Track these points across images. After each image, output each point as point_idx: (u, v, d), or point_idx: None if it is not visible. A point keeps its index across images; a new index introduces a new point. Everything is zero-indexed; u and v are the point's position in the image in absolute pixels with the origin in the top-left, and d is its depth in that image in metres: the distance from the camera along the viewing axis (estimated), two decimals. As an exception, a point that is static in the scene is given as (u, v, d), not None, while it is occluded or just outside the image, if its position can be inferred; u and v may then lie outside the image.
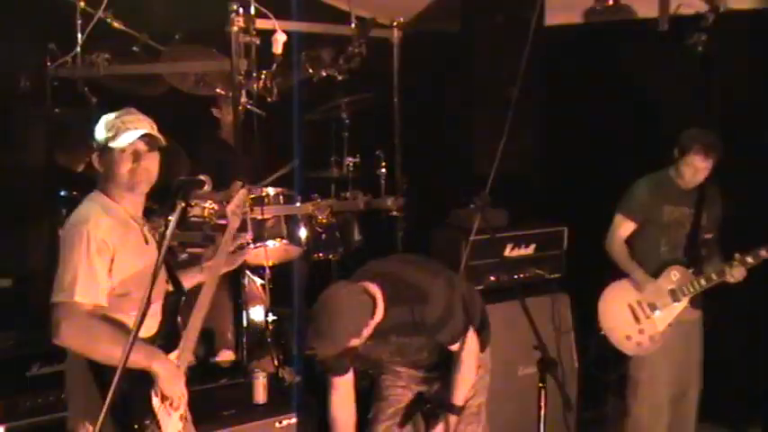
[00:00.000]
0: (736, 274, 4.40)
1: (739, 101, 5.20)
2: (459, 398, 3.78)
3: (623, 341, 4.62)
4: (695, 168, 4.43)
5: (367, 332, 3.48)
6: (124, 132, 3.11)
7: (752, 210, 5.00)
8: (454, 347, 3.72)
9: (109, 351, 2.88)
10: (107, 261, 3.00)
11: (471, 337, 3.75)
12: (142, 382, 3.04)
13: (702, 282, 4.50)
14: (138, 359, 2.99)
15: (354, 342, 3.46)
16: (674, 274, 4.54)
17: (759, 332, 5.29)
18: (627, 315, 4.60)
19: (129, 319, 2.97)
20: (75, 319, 2.92)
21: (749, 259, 4.39)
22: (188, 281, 3.44)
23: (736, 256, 4.41)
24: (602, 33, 5.54)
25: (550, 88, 5.63)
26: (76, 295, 2.93)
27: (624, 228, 4.65)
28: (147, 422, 3.03)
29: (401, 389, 3.95)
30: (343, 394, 3.79)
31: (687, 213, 4.55)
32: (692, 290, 4.52)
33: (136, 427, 2.99)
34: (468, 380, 3.79)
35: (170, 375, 3.09)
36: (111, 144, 3.12)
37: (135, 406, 3.01)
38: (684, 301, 4.54)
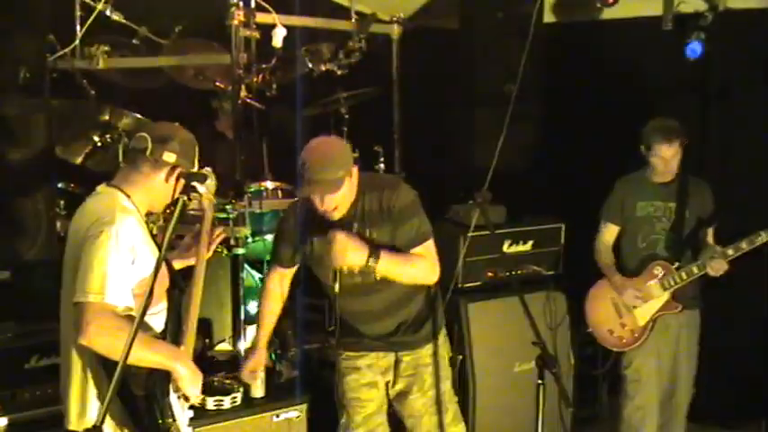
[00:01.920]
0: (715, 266, 4.37)
1: (738, 99, 5.20)
2: (385, 253, 3.52)
3: (606, 336, 4.68)
4: (663, 158, 4.45)
5: (353, 181, 3.49)
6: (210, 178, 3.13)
7: (750, 209, 5.01)
8: (415, 250, 3.61)
9: (138, 354, 2.81)
10: (131, 262, 2.99)
11: (432, 249, 3.67)
12: (162, 381, 3.05)
13: (683, 275, 4.49)
14: (162, 360, 3.02)
15: (346, 181, 3.43)
16: (657, 270, 4.55)
17: (755, 331, 5.30)
18: (610, 310, 4.66)
19: (147, 318, 2.96)
20: (105, 320, 2.88)
21: (729, 251, 4.36)
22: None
23: (717, 248, 4.41)
24: (602, 30, 5.56)
25: (550, 85, 5.63)
26: (108, 297, 2.89)
27: (607, 233, 4.73)
28: (171, 420, 3.05)
29: (366, 388, 3.91)
30: (275, 283, 3.88)
31: (662, 207, 4.56)
32: (672, 283, 4.51)
33: (161, 422, 3.01)
34: (412, 267, 3.60)
35: (192, 376, 3.10)
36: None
37: (159, 406, 3.03)
38: (665, 295, 4.54)
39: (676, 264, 4.53)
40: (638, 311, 4.59)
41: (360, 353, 3.89)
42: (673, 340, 4.62)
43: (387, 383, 3.94)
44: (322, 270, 3.73)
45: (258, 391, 4.32)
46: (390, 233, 3.59)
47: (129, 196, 3.13)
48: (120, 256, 2.94)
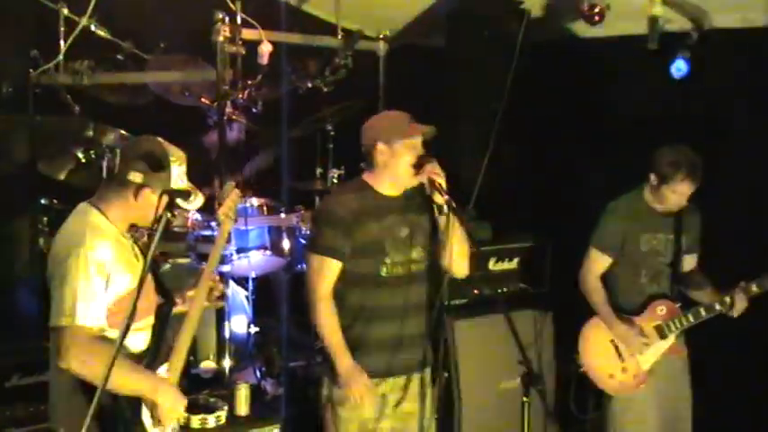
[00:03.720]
0: (738, 306, 4.14)
1: (722, 119, 5.22)
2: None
3: (605, 380, 4.37)
4: (681, 195, 4.18)
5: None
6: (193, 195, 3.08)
7: (734, 230, 5.00)
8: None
9: (119, 381, 2.83)
10: (104, 282, 2.96)
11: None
12: (132, 402, 3.01)
13: (690, 318, 4.26)
14: (144, 389, 2.99)
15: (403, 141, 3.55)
16: (660, 309, 4.31)
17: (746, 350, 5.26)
18: (609, 352, 4.36)
19: (129, 334, 2.88)
20: (81, 344, 2.88)
21: (754, 288, 4.14)
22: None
23: (741, 284, 4.17)
24: (587, 49, 5.58)
25: (535, 103, 5.64)
26: (79, 319, 2.89)
27: (600, 263, 4.37)
28: None
29: (389, 417, 3.76)
30: (330, 283, 3.62)
31: (665, 240, 4.32)
32: (679, 326, 4.28)
33: None
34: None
35: (172, 406, 3.07)
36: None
37: (126, 427, 2.99)
38: (671, 338, 4.31)
39: (678, 304, 4.32)
40: (643, 355, 4.32)
41: (382, 377, 3.72)
42: (672, 378, 4.38)
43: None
44: (367, 259, 3.65)
45: (243, 408, 4.29)
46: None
47: (105, 214, 3.10)
48: (88, 277, 2.92)
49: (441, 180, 3.55)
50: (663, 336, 4.30)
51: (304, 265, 5.09)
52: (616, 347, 4.35)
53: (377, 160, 3.65)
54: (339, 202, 3.71)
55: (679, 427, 4.42)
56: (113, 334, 2.98)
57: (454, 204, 3.56)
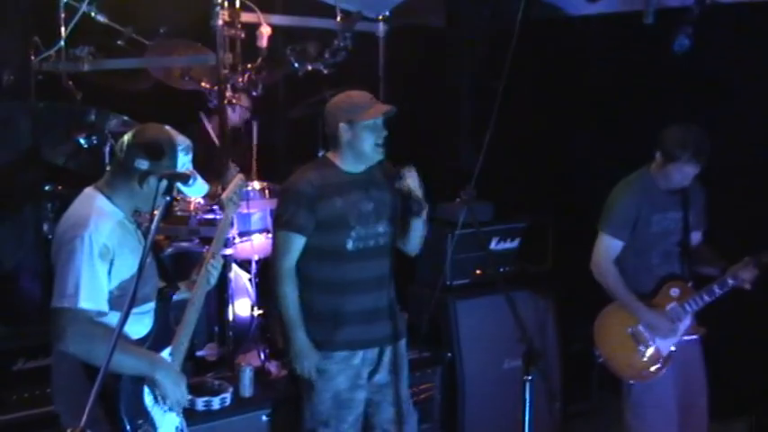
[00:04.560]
0: (747, 276, 4.12)
1: (724, 95, 5.20)
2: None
3: (626, 369, 4.30)
4: (687, 175, 4.16)
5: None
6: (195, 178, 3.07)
7: (740, 209, 4.98)
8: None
9: (116, 358, 2.80)
10: (107, 265, 2.98)
11: None
12: (133, 382, 3.03)
13: (705, 296, 4.21)
14: (142, 367, 3.02)
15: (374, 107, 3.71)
16: (674, 291, 4.27)
17: (749, 327, 5.27)
18: (627, 341, 4.30)
19: (131, 318, 2.87)
20: (81, 326, 2.91)
21: (765, 260, 4.10)
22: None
23: (746, 259, 4.13)
24: (588, 27, 5.56)
25: (536, 81, 5.64)
26: (81, 302, 2.91)
27: (613, 248, 4.28)
28: (140, 422, 3.03)
29: (360, 388, 3.86)
30: (293, 259, 3.75)
31: (674, 219, 4.29)
32: (694, 306, 4.23)
33: (128, 427, 2.98)
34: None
35: (173, 383, 3.10)
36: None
37: (127, 407, 3.00)
38: (688, 320, 4.28)
39: (690, 283, 4.29)
40: (662, 341, 4.28)
41: (353, 350, 3.83)
42: (689, 356, 4.35)
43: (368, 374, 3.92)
44: (333, 233, 3.75)
45: (247, 390, 4.32)
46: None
47: (110, 198, 3.11)
48: (92, 260, 2.94)
49: (417, 192, 3.75)
50: (679, 318, 4.27)
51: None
52: (634, 335, 4.30)
53: (340, 140, 3.76)
54: (303, 179, 3.80)
55: (695, 408, 4.39)
56: (115, 317, 2.99)
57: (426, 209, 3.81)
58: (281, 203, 3.85)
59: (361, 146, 3.74)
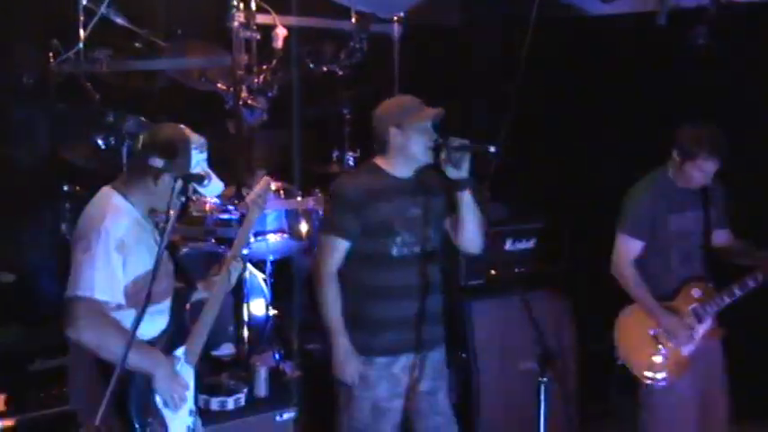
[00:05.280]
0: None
1: (741, 96, 5.17)
2: None
3: (645, 370, 4.27)
4: (705, 174, 4.14)
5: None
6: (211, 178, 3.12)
7: (758, 209, 4.95)
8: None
9: (119, 351, 2.85)
10: (122, 260, 3.01)
11: None
12: (145, 381, 3.06)
13: (726, 298, 4.19)
14: (142, 363, 3.03)
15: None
16: (695, 292, 4.25)
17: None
18: (648, 342, 4.27)
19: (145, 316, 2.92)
20: (94, 315, 2.94)
21: None
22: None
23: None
24: (601, 27, 5.54)
25: (551, 81, 5.62)
26: (97, 292, 2.94)
27: (632, 248, 4.26)
28: (150, 420, 3.05)
29: (397, 397, 3.81)
30: (336, 262, 3.70)
31: (694, 218, 4.27)
32: (715, 307, 4.22)
33: (137, 425, 3.01)
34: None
35: (170, 381, 3.11)
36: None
37: (137, 405, 3.03)
38: (709, 321, 4.25)
39: (710, 284, 4.26)
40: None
41: (395, 356, 3.77)
42: (708, 356, 4.32)
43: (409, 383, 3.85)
44: (379, 239, 3.71)
45: (262, 390, 4.34)
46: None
47: (127, 197, 3.15)
48: (108, 253, 2.97)
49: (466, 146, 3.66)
50: (700, 319, 4.24)
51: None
52: (655, 338, 4.27)
53: (390, 144, 3.72)
54: (350, 183, 3.80)
55: (715, 410, 4.36)
56: (129, 314, 3.02)
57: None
58: (328, 207, 3.86)
59: (412, 149, 3.69)
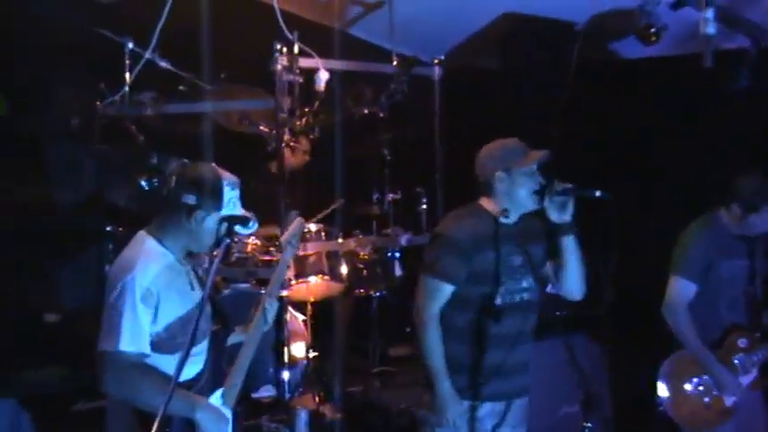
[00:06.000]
0: None
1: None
2: None
3: (688, 418, 4.21)
4: (765, 224, 4.11)
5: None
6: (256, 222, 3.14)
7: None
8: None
9: (150, 401, 2.90)
10: (152, 309, 3.01)
11: None
12: (184, 427, 3.05)
13: None
14: (182, 408, 3.02)
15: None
16: (741, 342, 4.17)
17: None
18: (693, 391, 4.21)
19: (176, 361, 2.91)
20: (119, 369, 2.95)
21: None
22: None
23: None
24: (642, 69, 5.53)
25: (593, 122, 5.61)
26: (121, 344, 2.95)
27: (686, 292, 4.19)
28: None
29: None
30: (439, 306, 3.61)
31: (741, 266, 4.21)
32: (761, 358, 4.14)
33: None
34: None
35: (214, 423, 3.09)
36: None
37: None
38: (755, 372, 4.17)
39: (757, 333, 4.17)
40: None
41: (482, 401, 3.67)
42: (751, 413, 4.22)
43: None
44: (483, 286, 3.62)
45: (302, 433, 4.33)
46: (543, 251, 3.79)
47: (161, 240, 3.15)
48: (134, 304, 2.98)
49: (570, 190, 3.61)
50: (746, 371, 4.18)
51: (362, 290, 5.19)
52: (700, 384, 4.21)
53: (496, 188, 3.66)
54: (458, 227, 3.70)
55: None
56: (163, 359, 3.04)
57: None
58: (434, 249, 3.73)
59: (519, 193, 3.61)
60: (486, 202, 3.71)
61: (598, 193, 3.54)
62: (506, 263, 3.63)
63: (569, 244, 3.65)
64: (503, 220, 3.64)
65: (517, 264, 3.66)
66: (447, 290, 3.62)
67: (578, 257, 3.69)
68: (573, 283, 3.74)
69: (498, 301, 3.61)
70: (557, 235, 3.64)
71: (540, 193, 3.59)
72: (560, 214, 3.59)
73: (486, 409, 3.69)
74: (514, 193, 3.62)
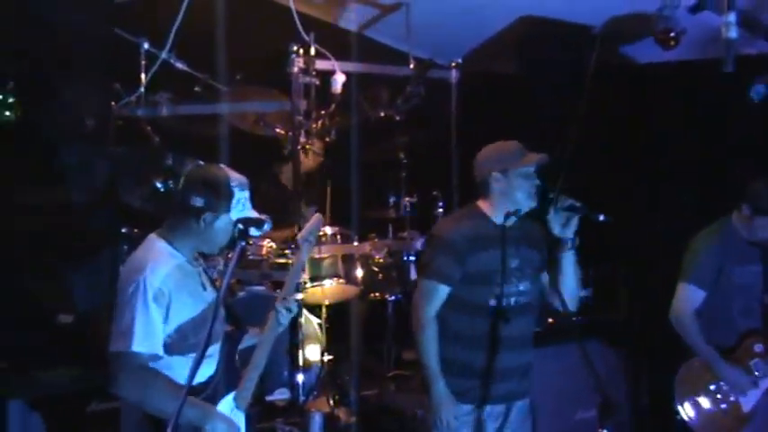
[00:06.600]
0: None
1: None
2: None
3: (706, 425, 4.22)
4: None
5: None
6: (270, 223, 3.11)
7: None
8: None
9: (161, 405, 2.90)
10: (163, 309, 3.00)
11: None
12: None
13: None
14: (193, 417, 3.00)
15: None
16: (757, 347, 4.17)
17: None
18: (710, 397, 4.22)
19: (188, 362, 2.93)
20: (132, 370, 2.94)
21: None
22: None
23: None
24: (661, 74, 5.50)
25: (609, 129, 5.58)
26: (134, 345, 2.94)
27: (694, 298, 4.23)
28: None
29: None
30: (436, 308, 3.64)
31: (755, 272, 4.22)
32: None
33: None
34: None
35: (222, 429, 3.07)
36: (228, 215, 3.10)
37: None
38: None
39: None
40: (744, 397, 4.18)
41: (482, 403, 3.69)
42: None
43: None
44: (478, 288, 3.65)
45: (316, 437, 4.31)
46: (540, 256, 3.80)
47: (171, 242, 3.14)
48: (146, 304, 2.97)
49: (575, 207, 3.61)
50: (765, 374, 4.16)
51: (377, 293, 5.17)
52: (716, 392, 4.21)
53: (493, 189, 3.67)
54: (454, 228, 3.72)
55: None
56: (175, 360, 3.03)
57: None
58: (430, 251, 3.78)
59: (515, 194, 3.64)
60: (482, 204, 3.73)
61: (602, 218, 3.54)
62: (502, 265, 3.62)
63: (568, 259, 3.66)
64: (500, 221, 3.63)
65: (513, 266, 3.66)
66: (442, 291, 3.64)
67: (575, 272, 3.69)
68: (567, 295, 3.69)
69: (494, 303, 3.62)
70: (557, 248, 3.65)
71: (544, 202, 3.61)
72: (563, 229, 3.61)
73: (485, 411, 3.70)
74: (511, 194, 3.65)
